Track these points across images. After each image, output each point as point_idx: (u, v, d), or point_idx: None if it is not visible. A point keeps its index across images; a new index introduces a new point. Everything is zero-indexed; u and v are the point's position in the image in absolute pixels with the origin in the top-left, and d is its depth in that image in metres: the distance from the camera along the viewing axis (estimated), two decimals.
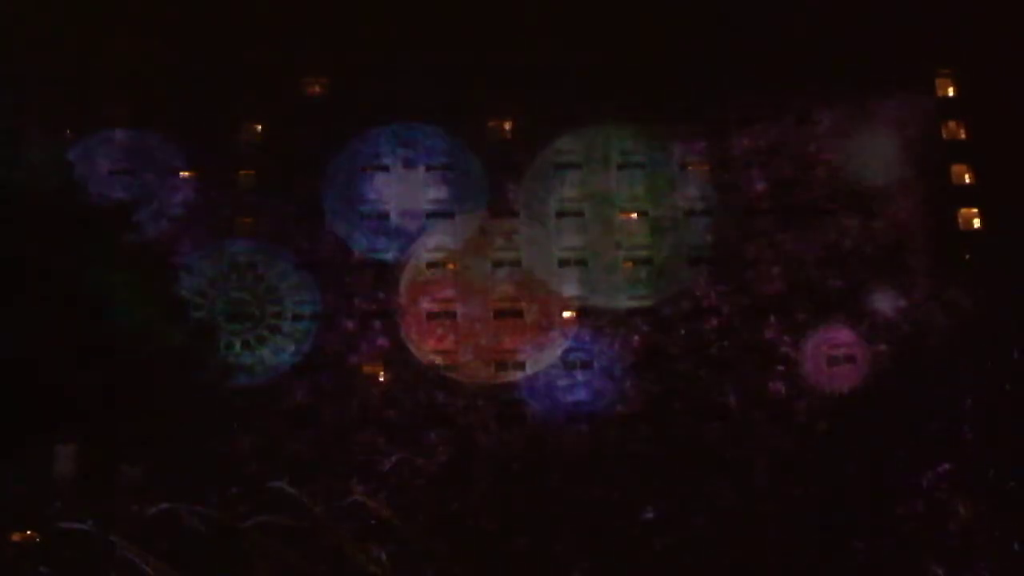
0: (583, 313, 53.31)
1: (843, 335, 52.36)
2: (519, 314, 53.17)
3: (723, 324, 52.76)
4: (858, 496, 48.71)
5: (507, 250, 54.11)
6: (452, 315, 53.30)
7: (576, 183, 55.19)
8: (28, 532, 48.27)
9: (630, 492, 49.52)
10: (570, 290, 53.49)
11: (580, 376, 52.07)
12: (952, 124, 55.95)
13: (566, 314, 53.38)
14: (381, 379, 52.33)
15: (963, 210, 54.79)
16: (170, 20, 55.56)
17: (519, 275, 53.65)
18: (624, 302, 53.23)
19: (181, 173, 55.33)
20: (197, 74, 55.60)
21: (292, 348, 52.27)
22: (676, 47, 55.50)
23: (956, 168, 55.23)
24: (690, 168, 55.23)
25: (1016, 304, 51.27)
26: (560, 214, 54.68)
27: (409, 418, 51.87)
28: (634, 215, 54.82)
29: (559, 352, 52.48)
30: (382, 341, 52.74)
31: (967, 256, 53.69)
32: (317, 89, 57.01)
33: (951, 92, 56.52)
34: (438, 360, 52.56)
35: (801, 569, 47.83)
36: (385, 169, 55.47)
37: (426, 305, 53.47)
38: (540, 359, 52.36)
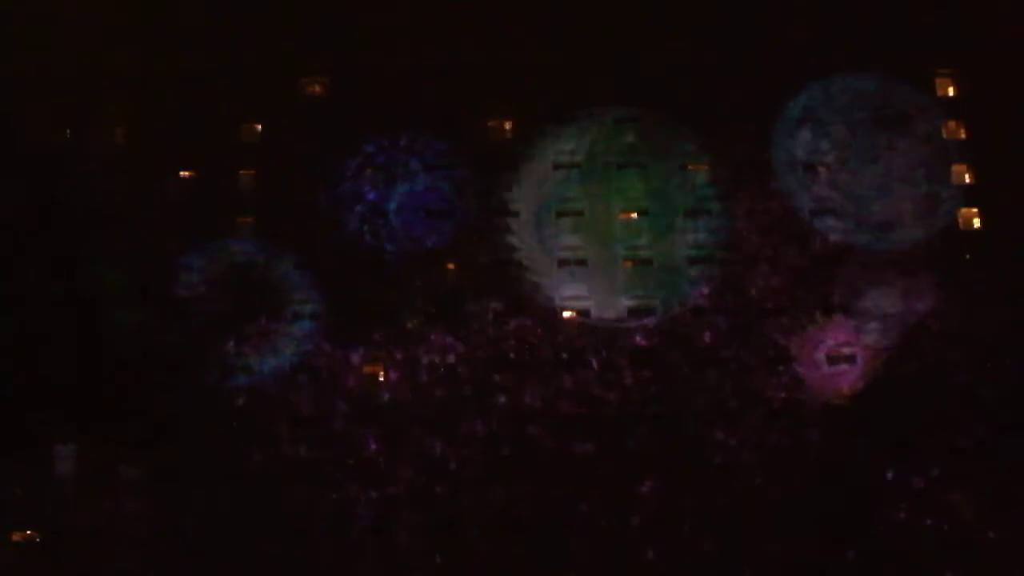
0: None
1: (843, 335, 52.34)
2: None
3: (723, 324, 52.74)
4: (858, 498, 48.75)
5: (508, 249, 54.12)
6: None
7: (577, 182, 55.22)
8: (28, 532, 48.35)
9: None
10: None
11: None
12: (952, 124, 55.91)
13: (566, 314, 53.46)
14: (381, 379, 52.26)
15: (963, 210, 54.75)
16: (170, 19, 55.58)
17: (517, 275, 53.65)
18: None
19: (181, 173, 55.31)
20: (197, 74, 55.53)
21: (292, 348, 52.16)
22: (674, 46, 55.49)
23: (956, 168, 55.17)
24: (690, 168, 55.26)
25: (1016, 304, 51.28)
26: (560, 214, 54.65)
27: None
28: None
29: None
30: (383, 340, 52.60)
31: (967, 256, 53.63)
32: (317, 89, 56.97)
33: (951, 92, 56.46)
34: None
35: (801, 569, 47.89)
36: (386, 168, 55.44)
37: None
38: None
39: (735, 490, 49.48)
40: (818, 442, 50.12)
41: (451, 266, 54.00)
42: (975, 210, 54.71)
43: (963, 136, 55.72)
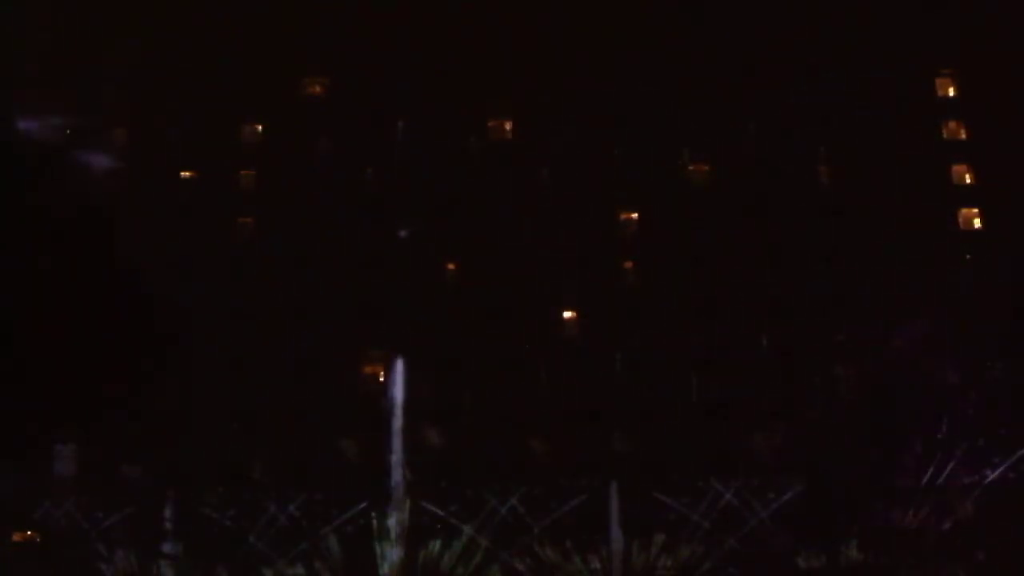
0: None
1: (842, 335, 52.38)
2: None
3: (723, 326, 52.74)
4: (857, 498, 48.80)
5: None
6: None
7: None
8: (28, 532, 48.39)
9: None
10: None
11: None
12: (952, 124, 55.94)
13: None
14: (381, 379, 52.27)
15: (963, 210, 54.77)
16: (170, 19, 55.59)
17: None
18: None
19: (181, 173, 55.34)
20: (197, 74, 55.51)
21: (294, 346, 52.13)
22: (673, 46, 55.57)
23: (956, 168, 55.20)
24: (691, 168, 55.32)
25: (1016, 304, 51.30)
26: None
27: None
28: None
29: None
30: (387, 338, 52.62)
31: (967, 256, 53.66)
32: (317, 89, 56.97)
33: (951, 92, 56.50)
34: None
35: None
36: (386, 166, 55.51)
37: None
38: None
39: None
40: (817, 442, 50.17)
41: (451, 266, 54.06)
42: (975, 210, 54.77)
43: (963, 136, 55.78)
